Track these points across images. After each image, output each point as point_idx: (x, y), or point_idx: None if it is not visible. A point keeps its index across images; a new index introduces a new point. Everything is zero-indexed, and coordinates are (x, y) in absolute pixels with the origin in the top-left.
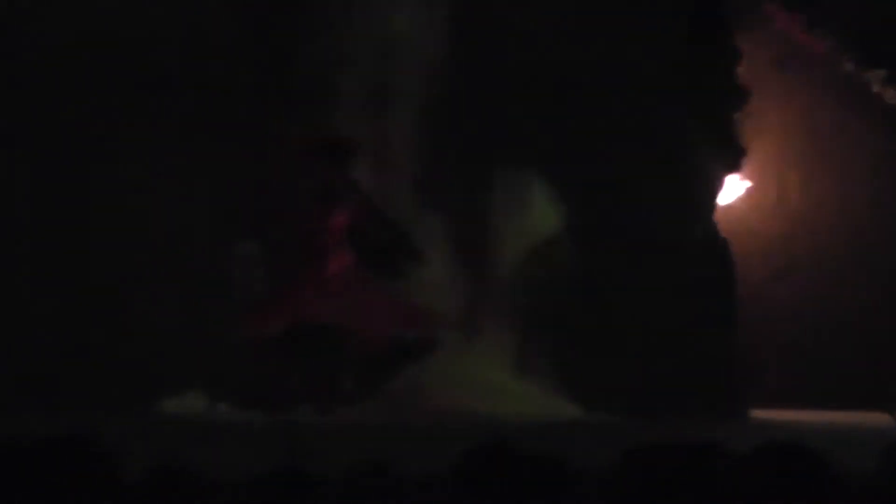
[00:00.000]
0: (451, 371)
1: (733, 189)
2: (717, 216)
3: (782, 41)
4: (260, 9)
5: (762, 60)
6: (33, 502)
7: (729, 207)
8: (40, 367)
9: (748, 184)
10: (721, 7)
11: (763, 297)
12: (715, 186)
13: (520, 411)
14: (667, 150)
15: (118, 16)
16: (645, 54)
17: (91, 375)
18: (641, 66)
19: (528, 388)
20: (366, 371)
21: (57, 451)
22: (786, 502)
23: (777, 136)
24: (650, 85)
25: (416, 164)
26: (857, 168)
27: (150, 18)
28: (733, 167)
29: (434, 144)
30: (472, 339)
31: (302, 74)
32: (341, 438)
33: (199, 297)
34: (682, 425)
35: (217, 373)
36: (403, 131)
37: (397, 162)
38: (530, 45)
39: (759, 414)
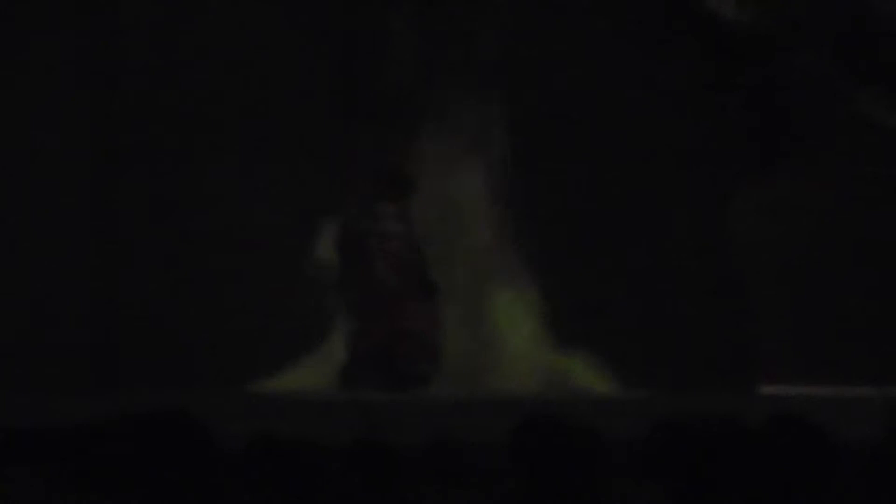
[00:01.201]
0: (506, 352)
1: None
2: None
3: None
4: (342, 37)
5: None
6: (140, 473)
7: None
8: (147, 348)
9: None
10: None
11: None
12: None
13: (563, 388)
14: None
15: (219, 43)
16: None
17: (192, 357)
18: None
19: (571, 367)
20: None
21: (161, 425)
22: (795, 471)
23: None
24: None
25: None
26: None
27: (246, 46)
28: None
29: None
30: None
31: (377, 100)
32: (412, 413)
33: (284, 291)
34: (703, 399)
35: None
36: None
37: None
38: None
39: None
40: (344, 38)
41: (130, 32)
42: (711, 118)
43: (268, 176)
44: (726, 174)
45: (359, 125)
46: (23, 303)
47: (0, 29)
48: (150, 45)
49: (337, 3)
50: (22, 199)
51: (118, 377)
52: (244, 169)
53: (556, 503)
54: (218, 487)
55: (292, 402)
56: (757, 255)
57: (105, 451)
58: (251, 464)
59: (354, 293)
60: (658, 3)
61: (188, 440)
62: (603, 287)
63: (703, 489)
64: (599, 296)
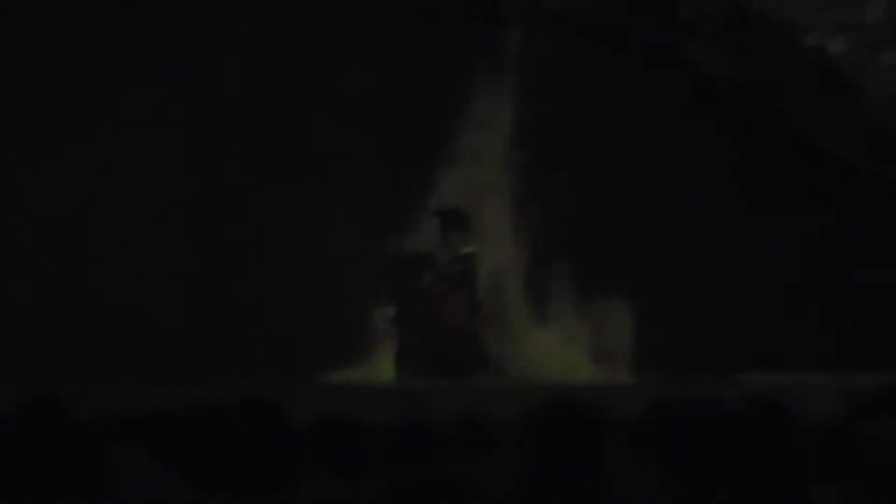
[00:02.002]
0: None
1: None
2: None
3: None
4: (407, 72)
5: None
6: (225, 455)
7: None
8: (232, 343)
9: None
10: None
11: None
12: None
13: (573, 376)
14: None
15: (292, 82)
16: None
17: (271, 349)
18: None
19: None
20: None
21: (240, 412)
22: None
23: None
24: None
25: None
26: None
27: (316, 83)
28: None
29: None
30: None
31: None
32: (450, 397)
33: (348, 297)
34: (687, 382)
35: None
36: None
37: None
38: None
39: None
40: (402, 74)
41: (215, 74)
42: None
43: (335, 198)
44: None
45: (411, 158)
46: (123, 300)
47: (98, 72)
48: (233, 84)
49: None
50: (123, 207)
51: (206, 366)
52: (316, 191)
53: (565, 480)
54: (293, 466)
55: (352, 389)
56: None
57: (194, 434)
58: (318, 444)
59: (407, 304)
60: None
61: (267, 424)
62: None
63: (693, 467)
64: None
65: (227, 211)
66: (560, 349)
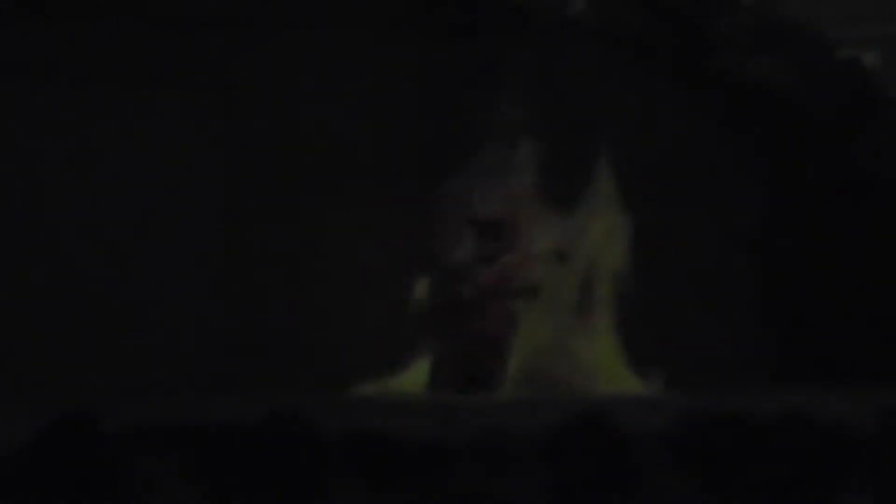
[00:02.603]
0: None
1: None
2: None
3: None
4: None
5: None
6: (252, 469)
7: None
8: (263, 357)
9: None
10: None
11: None
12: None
13: (608, 388)
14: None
15: (325, 96)
16: None
17: (300, 364)
18: None
19: (616, 369)
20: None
21: (273, 425)
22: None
23: None
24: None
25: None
26: None
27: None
28: None
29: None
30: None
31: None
32: (477, 411)
33: (381, 310)
34: (718, 395)
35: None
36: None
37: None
38: None
39: None
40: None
41: (248, 85)
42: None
43: (367, 210)
44: None
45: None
46: (155, 313)
47: (131, 84)
48: (265, 96)
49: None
50: (155, 219)
51: (237, 379)
52: (348, 202)
53: (595, 490)
54: (322, 478)
55: (382, 402)
56: None
57: (225, 447)
58: (348, 456)
59: (443, 314)
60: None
61: (298, 436)
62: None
63: (724, 477)
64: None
65: (258, 223)
66: (599, 361)
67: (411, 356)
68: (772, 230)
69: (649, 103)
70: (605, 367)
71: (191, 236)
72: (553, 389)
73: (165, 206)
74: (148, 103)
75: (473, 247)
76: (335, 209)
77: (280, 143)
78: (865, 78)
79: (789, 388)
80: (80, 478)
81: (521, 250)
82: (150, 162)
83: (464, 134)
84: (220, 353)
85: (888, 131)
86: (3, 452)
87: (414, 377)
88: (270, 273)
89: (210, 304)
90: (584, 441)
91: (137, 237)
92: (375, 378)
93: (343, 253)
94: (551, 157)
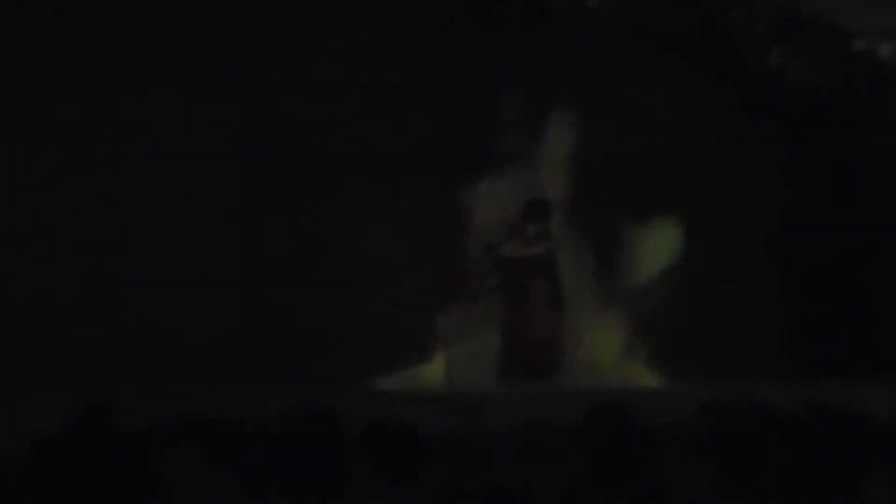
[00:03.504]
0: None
1: None
2: None
3: None
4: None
5: None
6: (275, 462)
7: None
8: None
9: None
10: None
11: None
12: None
13: (626, 382)
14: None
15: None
16: None
17: (323, 356)
18: None
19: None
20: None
21: (301, 416)
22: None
23: None
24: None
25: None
26: None
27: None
28: None
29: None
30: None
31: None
32: (502, 403)
33: (403, 303)
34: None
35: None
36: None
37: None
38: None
39: None
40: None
41: (268, 78)
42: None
43: (389, 202)
44: None
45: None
46: (176, 307)
47: (150, 77)
48: (285, 88)
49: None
50: (181, 214)
51: (261, 372)
52: (369, 194)
53: (619, 481)
54: (346, 471)
55: (405, 395)
56: None
57: (248, 440)
58: (371, 449)
59: (501, 303)
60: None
61: (321, 430)
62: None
63: (745, 467)
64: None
65: (279, 215)
66: (619, 354)
67: (434, 349)
68: (791, 221)
69: (667, 95)
70: (616, 360)
71: (211, 230)
72: (570, 381)
73: (184, 201)
74: (166, 95)
75: (523, 227)
76: (353, 200)
77: (298, 132)
78: (880, 69)
79: (810, 380)
80: (103, 470)
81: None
82: (168, 155)
83: (482, 123)
84: (241, 348)
85: None
86: (25, 447)
87: (434, 370)
88: (291, 266)
89: (230, 297)
90: (608, 433)
91: (157, 231)
92: (398, 372)
93: (364, 243)
94: (568, 148)
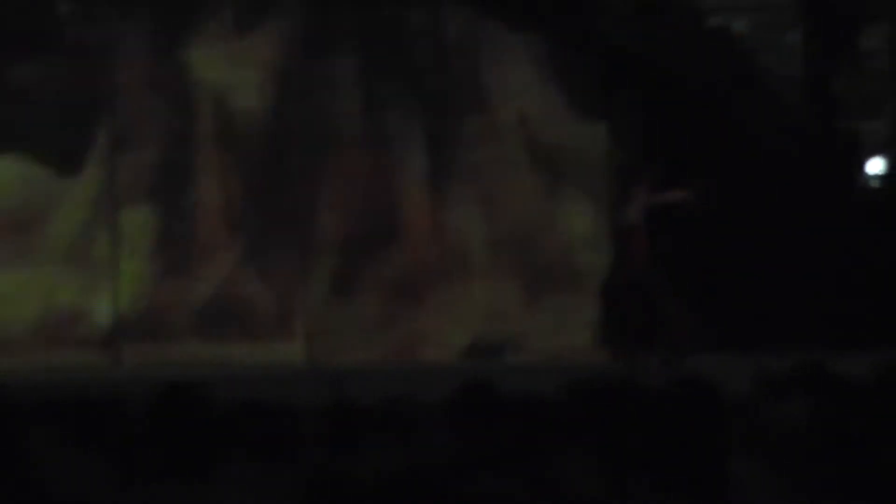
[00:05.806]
0: None
1: None
2: None
3: None
4: None
5: None
6: (143, 441)
7: None
8: None
9: None
10: None
11: None
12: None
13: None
14: None
15: None
16: None
17: None
18: None
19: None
20: None
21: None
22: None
23: None
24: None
25: None
26: None
27: None
28: None
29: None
30: None
31: None
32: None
33: None
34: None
35: None
36: None
37: None
38: None
39: None
40: None
41: None
42: None
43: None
44: None
45: None
46: None
47: None
48: None
49: None
50: None
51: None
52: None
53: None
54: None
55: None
56: None
57: (115, 419)
58: (238, 428)
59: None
60: None
61: (190, 408)
62: None
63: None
64: None
65: None
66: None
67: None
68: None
69: (528, 68)
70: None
71: None
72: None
73: None
74: None
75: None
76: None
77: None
78: (734, 44)
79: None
80: None
81: None
82: None
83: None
84: None
85: (760, 98)
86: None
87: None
88: None
89: None
90: (471, 408)
91: None
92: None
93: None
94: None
